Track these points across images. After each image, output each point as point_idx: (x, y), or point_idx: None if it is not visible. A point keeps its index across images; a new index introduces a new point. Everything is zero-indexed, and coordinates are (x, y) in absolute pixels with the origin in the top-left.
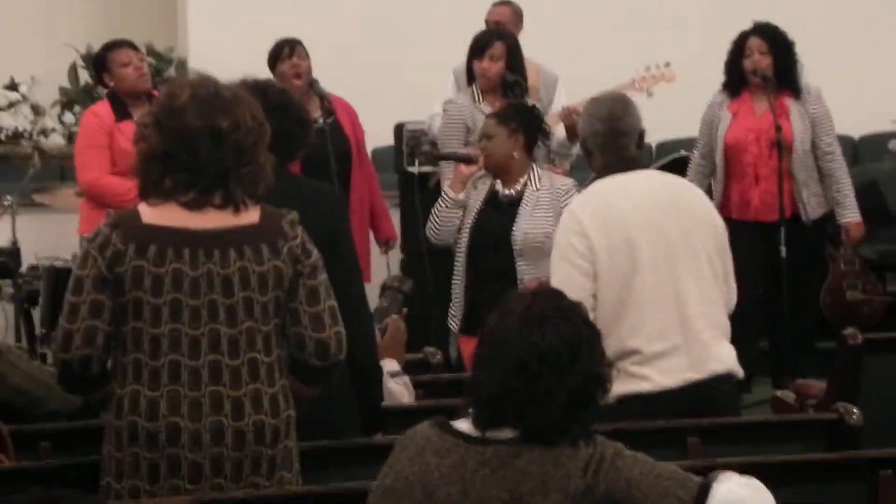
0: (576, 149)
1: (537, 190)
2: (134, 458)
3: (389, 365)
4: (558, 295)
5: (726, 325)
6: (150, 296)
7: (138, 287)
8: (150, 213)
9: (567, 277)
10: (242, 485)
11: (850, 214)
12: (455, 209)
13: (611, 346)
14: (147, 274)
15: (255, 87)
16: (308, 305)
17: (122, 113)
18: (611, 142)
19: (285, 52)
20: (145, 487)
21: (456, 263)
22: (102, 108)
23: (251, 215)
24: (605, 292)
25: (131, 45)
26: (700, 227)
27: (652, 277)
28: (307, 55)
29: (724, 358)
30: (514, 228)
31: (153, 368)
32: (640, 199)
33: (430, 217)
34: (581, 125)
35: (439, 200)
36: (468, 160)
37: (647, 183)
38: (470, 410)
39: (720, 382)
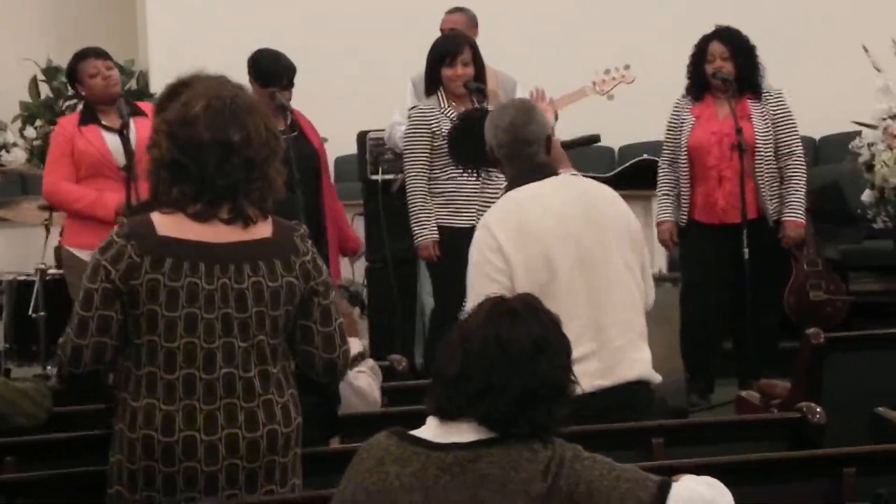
0: None
1: None
2: (149, 470)
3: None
4: (534, 299)
5: (643, 328)
6: (165, 309)
7: (153, 300)
8: (164, 224)
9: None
10: (257, 494)
11: (792, 214)
12: None
13: None
14: (163, 287)
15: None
16: (321, 325)
17: (88, 118)
18: (517, 151)
19: (283, 83)
20: (160, 499)
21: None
22: (69, 117)
23: (263, 229)
24: None
25: (98, 54)
26: (615, 232)
27: (566, 288)
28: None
29: (637, 364)
30: None
31: (168, 382)
32: (555, 211)
33: None
34: (486, 135)
35: None
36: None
37: (561, 192)
38: (430, 400)
39: (631, 388)
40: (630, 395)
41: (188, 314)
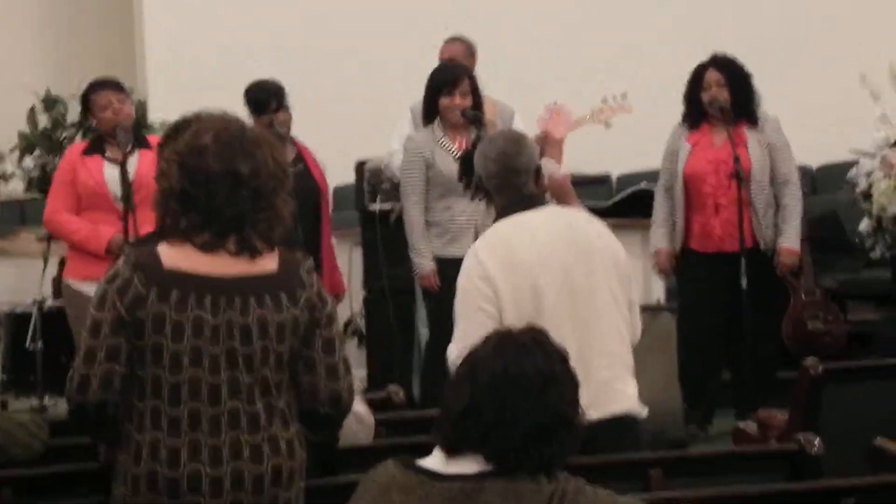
0: None
1: None
2: None
3: None
4: (542, 332)
5: (629, 361)
6: (170, 342)
7: (159, 332)
8: (171, 257)
9: (476, 323)
10: None
11: (787, 241)
12: None
13: None
14: (169, 320)
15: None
16: (325, 356)
17: (94, 148)
18: (506, 181)
19: (272, 106)
20: None
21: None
22: (77, 146)
23: (269, 262)
24: None
25: (112, 86)
26: (603, 264)
27: (553, 318)
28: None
29: (624, 398)
30: None
31: (173, 416)
32: (542, 242)
33: None
34: (476, 166)
35: None
36: None
37: (549, 223)
38: (437, 434)
39: (619, 422)
40: (617, 428)
41: (194, 347)
